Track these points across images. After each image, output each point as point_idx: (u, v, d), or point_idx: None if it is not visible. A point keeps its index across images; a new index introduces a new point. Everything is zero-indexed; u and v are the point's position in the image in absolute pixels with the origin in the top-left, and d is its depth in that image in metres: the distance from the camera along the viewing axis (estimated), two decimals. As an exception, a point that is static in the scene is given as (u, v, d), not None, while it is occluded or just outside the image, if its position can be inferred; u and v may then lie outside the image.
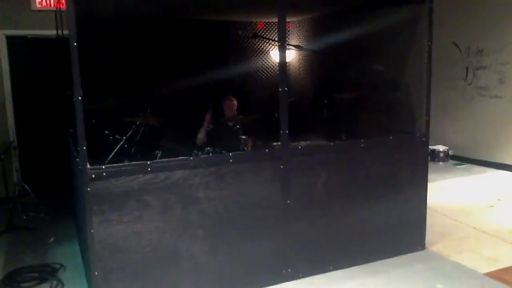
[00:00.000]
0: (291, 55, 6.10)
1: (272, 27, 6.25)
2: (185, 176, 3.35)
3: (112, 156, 4.37)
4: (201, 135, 4.90)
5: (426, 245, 4.38)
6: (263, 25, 6.33)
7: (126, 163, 3.25)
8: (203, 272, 3.48)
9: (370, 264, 4.07)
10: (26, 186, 5.89)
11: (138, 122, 4.73)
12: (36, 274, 4.00)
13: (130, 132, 4.68)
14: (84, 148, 3.03)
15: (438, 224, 4.92)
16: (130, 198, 3.19)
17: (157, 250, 3.31)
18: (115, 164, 3.19)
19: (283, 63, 3.63)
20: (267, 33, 6.15)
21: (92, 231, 3.10)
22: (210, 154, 4.46)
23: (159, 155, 4.59)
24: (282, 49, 3.60)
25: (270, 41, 5.69)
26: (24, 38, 6.01)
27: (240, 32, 5.62)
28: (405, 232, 4.28)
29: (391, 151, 4.15)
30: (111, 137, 4.81)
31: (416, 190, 4.30)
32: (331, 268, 3.94)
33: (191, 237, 3.41)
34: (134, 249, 3.25)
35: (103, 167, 3.11)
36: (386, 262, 4.12)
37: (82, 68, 2.98)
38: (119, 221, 3.18)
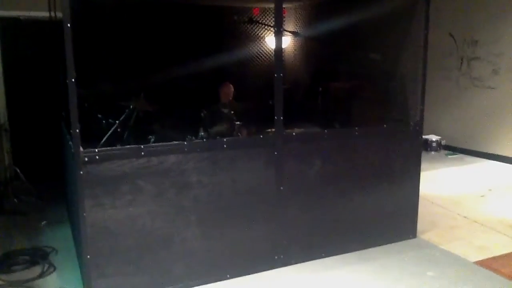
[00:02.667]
0: (287, 42, 6.06)
1: (268, 13, 6.20)
2: (178, 161, 3.33)
3: (105, 140, 4.33)
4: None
5: (418, 234, 4.42)
6: (259, 11, 6.27)
7: (119, 147, 3.22)
8: (195, 257, 3.48)
9: (362, 251, 4.11)
10: (18, 170, 5.83)
11: (131, 107, 4.69)
12: (27, 257, 3.98)
13: (123, 116, 4.63)
14: (77, 131, 2.99)
15: (429, 213, 4.97)
16: (123, 182, 3.17)
17: (149, 234, 3.31)
18: (108, 148, 3.17)
19: (279, 49, 3.60)
20: (263, 19, 6.10)
21: (84, 214, 3.09)
22: (204, 140, 4.44)
23: (152, 140, 4.56)
24: (278, 35, 3.57)
25: (266, 27, 5.64)
26: (16, 19, 5.91)
27: (235, 17, 5.56)
28: (397, 220, 4.32)
29: (385, 139, 4.16)
30: (104, 121, 4.77)
31: (408, 179, 4.33)
32: (324, 255, 3.97)
33: (184, 222, 3.41)
34: (127, 233, 3.24)
35: (96, 150, 3.09)
36: (378, 249, 4.16)
37: (75, 51, 2.94)
38: (112, 205, 3.16)
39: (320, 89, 4.84)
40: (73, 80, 2.94)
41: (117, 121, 4.60)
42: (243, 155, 3.57)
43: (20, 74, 6.03)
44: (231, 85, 5.21)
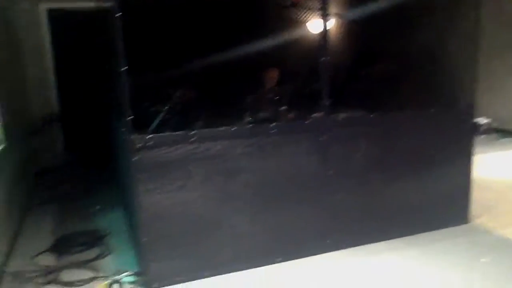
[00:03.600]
0: (330, 24, 5.95)
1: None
2: (227, 147, 3.37)
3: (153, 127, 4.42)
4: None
5: (471, 219, 4.29)
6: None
7: (169, 133, 3.29)
8: (245, 240, 3.53)
9: (412, 236, 4.03)
10: (71, 156, 6.07)
11: (178, 93, 4.75)
12: (84, 240, 4.15)
13: (171, 103, 4.70)
14: (130, 118, 3.07)
15: (482, 198, 4.76)
16: (174, 167, 3.25)
17: (199, 218, 3.38)
18: (159, 134, 3.24)
19: (324, 33, 3.54)
20: (305, 3, 5.99)
21: (139, 199, 3.18)
22: (250, 125, 4.46)
23: (199, 125, 4.61)
24: (324, 17, 3.52)
25: (307, 11, 5.54)
26: (63, 10, 6.09)
27: (278, 2, 5.49)
28: (448, 205, 4.21)
29: (435, 122, 4.04)
30: (151, 108, 4.86)
31: (460, 162, 4.21)
32: (373, 240, 3.93)
33: (233, 207, 3.46)
34: (178, 218, 3.32)
35: (148, 137, 3.16)
36: (429, 235, 4.07)
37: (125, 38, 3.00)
38: (163, 190, 3.24)
39: (363, 72, 4.73)
40: (125, 69, 3.01)
41: (165, 108, 4.68)
42: (290, 140, 3.57)
43: (70, 64, 6.24)
44: (275, 70, 5.18)
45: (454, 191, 4.22)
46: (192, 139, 3.26)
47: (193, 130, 3.40)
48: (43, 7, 6.05)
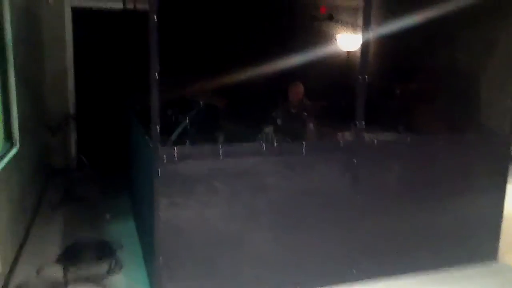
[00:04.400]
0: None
1: (336, 11, 5.94)
2: (255, 163, 3.19)
3: (174, 136, 4.26)
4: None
5: (499, 256, 4.07)
6: (325, 9, 6.04)
7: (197, 146, 3.12)
8: (266, 263, 3.34)
9: (438, 272, 3.81)
10: (84, 158, 5.91)
11: (200, 102, 4.59)
12: (94, 251, 3.95)
13: (193, 112, 4.54)
14: (158, 127, 2.90)
15: (510, 233, 4.55)
16: (199, 182, 3.07)
17: (222, 237, 3.19)
18: (187, 147, 3.06)
19: (365, 50, 3.37)
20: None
21: (159, 214, 3.00)
22: (275, 141, 4.29)
23: (221, 138, 4.46)
24: (366, 33, 3.35)
25: (340, 25, 5.40)
26: (88, 9, 5.97)
27: (313, 14, 5.36)
28: (477, 240, 3.99)
29: (469, 149, 3.84)
30: (172, 116, 4.70)
31: (493, 195, 3.99)
32: (397, 272, 3.72)
33: (257, 226, 3.28)
34: (199, 235, 3.14)
35: (175, 148, 2.98)
36: (455, 272, 3.84)
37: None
38: (187, 205, 3.07)
39: (398, 91, 4.55)
40: (156, 74, 2.84)
41: (186, 117, 4.52)
42: (321, 160, 3.39)
43: (90, 63, 6.09)
44: (301, 85, 5.01)
45: (484, 225, 4.01)
46: (221, 154, 3.08)
47: (212, 140, 3.23)
48: (68, 5, 5.92)
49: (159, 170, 2.95)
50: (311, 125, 4.33)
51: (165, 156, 2.95)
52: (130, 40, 5.17)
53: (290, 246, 3.38)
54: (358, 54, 5.85)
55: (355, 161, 3.43)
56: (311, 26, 5.66)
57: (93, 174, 5.81)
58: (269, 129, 4.58)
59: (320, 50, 5.61)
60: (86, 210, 5.09)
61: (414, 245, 3.77)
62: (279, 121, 4.47)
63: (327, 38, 5.80)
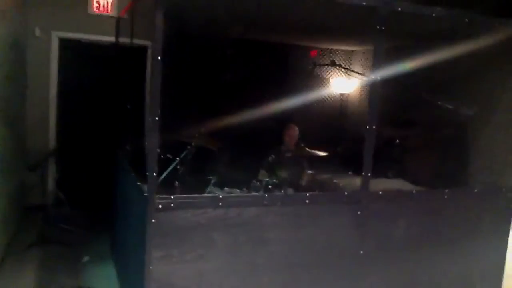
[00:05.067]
0: (353, 86, 5.75)
1: (325, 55, 5.90)
2: (257, 214, 2.97)
3: (163, 178, 4.02)
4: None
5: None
6: (316, 53, 5.99)
7: (196, 195, 2.89)
8: None
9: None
10: (61, 195, 5.57)
11: (192, 144, 4.39)
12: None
13: (184, 153, 4.33)
14: (155, 175, 2.67)
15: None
16: (196, 233, 2.82)
17: (219, 295, 2.93)
18: (185, 196, 2.83)
19: (374, 98, 3.25)
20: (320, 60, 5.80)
21: (150, 267, 2.73)
22: (270, 187, 4.10)
23: (212, 181, 4.24)
24: (375, 82, 3.24)
25: (339, 70, 5.33)
26: (77, 41, 5.77)
27: (315, 62, 5.28)
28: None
29: (474, 204, 3.73)
30: (161, 156, 4.47)
31: (494, 249, 3.86)
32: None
33: (257, 281, 3.02)
34: (193, 289, 2.87)
35: (172, 197, 2.75)
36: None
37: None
38: (181, 258, 2.80)
39: (398, 141, 4.45)
40: (156, 119, 2.64)
41: (177, 158, 4.30)
42: (325, 211, 3.19)
43: (75, 97, 5.82)
44: (295, 127, 4.88)
45: (485, 280, 3.86)
46: (220, 204, 2.86)
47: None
48: (55, 35, 5.70)
49: (153, 219, 2.70)
50: (308, 172, 4.16)
51: (160, 205, 2.71)
52: (118, 75, 4.98)
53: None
54: (352, 96, 5.88)
55: (360, 213, 3.26)
56: (306, 70, 5.58)
57: (71, 212, 5.46)
58: (264, 174, 4.39)
59: (314, 93, 5.53)
60: (61, 252, 4.74)
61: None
62: (275, 166, 4.29)
63: (322, 81, 5.73)
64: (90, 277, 4.19)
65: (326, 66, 5.24)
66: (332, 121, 5.67)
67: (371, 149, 3.23)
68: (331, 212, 3.22)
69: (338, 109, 5.83)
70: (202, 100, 5.09)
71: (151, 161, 2.67)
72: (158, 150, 4.29)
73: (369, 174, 3.25)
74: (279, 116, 5.15)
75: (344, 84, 5.68)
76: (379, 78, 3.20)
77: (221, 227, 2.88)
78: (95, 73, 5.67)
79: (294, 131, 4.83)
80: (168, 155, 4.42)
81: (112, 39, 4.95)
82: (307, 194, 3.15)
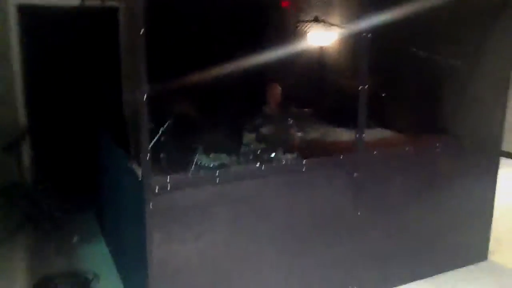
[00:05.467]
0: (332, 38, 5.57)
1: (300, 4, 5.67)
2: (255, 187, 2.93)
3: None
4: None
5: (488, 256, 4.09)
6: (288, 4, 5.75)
7: (192, 174, 2.79)
8: (270, 281, 3.12)
9: (435, 277, 3.75)
10: (40, 174, 5.34)
11: (174, 113, 4.21)
12: (68, 285, 3.54)
13: (167, 124, 4.16)
14: (148, 158, 2.54)
15: (497, 231, 4.54)
16: (195, 212, 2.76)
17: (223, 271, 2.92)
18: (181, 176, 2.73)
19: (364, 56, 3.14)
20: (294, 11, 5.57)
21: (152, 251, 2.65)
22: (259, 152, 4.01)
23: (199, 149, 4.11)
24: (364, 38, 3.12)
25: (323, 26, 5.12)
26: (39, 7, 5.27)
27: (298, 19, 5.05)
28: (469, 242, 3.98)
29: (463, 155, 3.78)
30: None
31: (483, 196, 3.98)
32: (398, 282, 3.61)
33: (259, 252, 3.03)
34: (198, 270, 2.84)
35: (168, 178, 2.63)
36: (452, 275, 3.82)
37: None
38: (182, 239, 2.75)
39: (384, 94, 4.38)
40: (144, 98, 2.47)
41: (161, 129, 4.13)
42: (322, 176, 3.18)
43: (45, 70, 5.41)
44: (278, 87, 4.73)
45: (475, 226, 4.00)
46: (218, 180, 2.77)
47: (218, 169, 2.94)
48: (11, 3, 5.23)
49: (151, 203, 2.60)
50: (298, 134, 4.09)
51: (157, 188, 2.60)
52: (89, 43, 4.67)
53: (292, 268, 3.17)
54: (331, 50, 5.73)
55: (355, 175, 3.25)
56: (286, 26, 5.36)
57: (52, 191, 5.26)
58: (249, 137, 4.29)
59: (294, 48, 5.35)
60: (49, 232, 4.60)
61: (413, 254, 3.68)
62: (264, 130, 4.18)
63: (301, 35, 5.53)
64: (83, 257, 4.10)
65: (311, 23, 5.03)
66: (314, 75, 5.55)
67: (364, 111, 3.16)
68: (327, 177, 3.20)
69: (319, 62, 5.70)
70: (179, 63, 4.83)
71: (143, 144, 2.52)
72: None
73: (363, 135, 3.20)
74: (261, 76, 4.98)
75: (323, 36, 5.50)
76: (370, 36, 3.09)
77: (220, 203, 2.82)
78: (63, 42, 5.24)
79: (276, 91, 4.68)
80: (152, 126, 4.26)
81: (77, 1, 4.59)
82: (303, 161, 3.10)
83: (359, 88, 3.12)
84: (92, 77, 4.58)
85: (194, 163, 3.87)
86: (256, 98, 4.81)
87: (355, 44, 3.29)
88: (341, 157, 3.21)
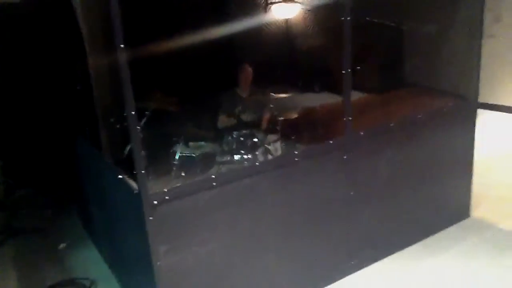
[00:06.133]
0: (296, 10, 5.47)
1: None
2: (252, 183, 2.91)
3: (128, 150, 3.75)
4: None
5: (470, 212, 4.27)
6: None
7: (188, 181, 2.73)
8: (276, 274, 3.18)
9: (424, 241, 3.92)
10: (10, 181, 5.13)
11: (150, 109, 4.06)
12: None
13: (144, 120, 4.02)
14: (143, 171, 2.46)
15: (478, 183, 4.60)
16: (196, 218, 2.73)
17: (228, 272, 2.95)
18: (177, 185, 2.66)
19: (347, 38, 3.09)
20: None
21: (158, 263, 2.62)
22: (242, 139, 3.96)
23: (178, 142, 4.02)
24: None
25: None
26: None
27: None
28: (452, 202, 4.15)
29: (444, 119, 3.86)
30: (118, 126, 4.14)
31: (464, 156, 4.11)
32: (389, 252, 3.75)
33: (262, 245, 3.06)
34: (204, 273, 2.84)
35: (165, 190, 2.57)
36: (439, 237, 3.99)
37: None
38: (186, 246, 2.73)
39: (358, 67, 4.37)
40: (133, 113, 2.37)
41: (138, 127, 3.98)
42: (314, 164, 3.19)
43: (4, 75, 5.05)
44: (249, 68, 4.62)
45: (457, 186, 4.15)
46: (214, 183, 2.72)
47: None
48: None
49: (151, 217, 2.54)
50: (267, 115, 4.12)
51: (155, 201, 2.54)
52: (46, 39, 4.38)
53: (294, 255, 3.24)
54: (295, 20, 5.63)
55: (345, 157, 3.28)
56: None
57: (30, 198, 5.06)
58: (224, 120, 4.23)
59: (260, 23, 5.23)
60: (34, 240, 4.45)
61: (405, 222, 3.81)
62: (244, 117, 4.13)
63: (264, 10, 5.39)
64: (76, 264, 4.01)
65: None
66: (283, 49, 5.49)
67: (349, 94, 3.16)
68: (320, 163, 3.22)
69: (286, 36, 5.63)
70: (149, 54, 4.62)
71: (137, 158, 2.44)
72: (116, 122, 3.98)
73: (350, 118, 3.21)
74: (230, 58, 4.86)
75: (286, 9, 5.42)
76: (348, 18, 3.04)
77: (219, 206, 2.79)
78: (17, 39, 4.88)
79: (248, 72, 4.58)
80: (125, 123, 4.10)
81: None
82: (296, 152, 3.09)
83: (343, 72, 3.09)
84: (58, 75, 4.32)
85: (177, 155, 3.81)
86: (227, 81, 4.69)
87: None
88: (330, 142, 3.22)
